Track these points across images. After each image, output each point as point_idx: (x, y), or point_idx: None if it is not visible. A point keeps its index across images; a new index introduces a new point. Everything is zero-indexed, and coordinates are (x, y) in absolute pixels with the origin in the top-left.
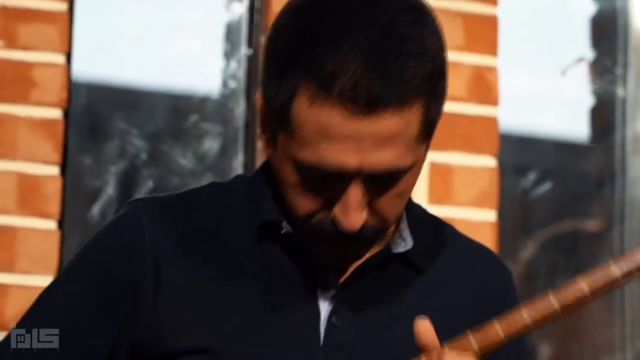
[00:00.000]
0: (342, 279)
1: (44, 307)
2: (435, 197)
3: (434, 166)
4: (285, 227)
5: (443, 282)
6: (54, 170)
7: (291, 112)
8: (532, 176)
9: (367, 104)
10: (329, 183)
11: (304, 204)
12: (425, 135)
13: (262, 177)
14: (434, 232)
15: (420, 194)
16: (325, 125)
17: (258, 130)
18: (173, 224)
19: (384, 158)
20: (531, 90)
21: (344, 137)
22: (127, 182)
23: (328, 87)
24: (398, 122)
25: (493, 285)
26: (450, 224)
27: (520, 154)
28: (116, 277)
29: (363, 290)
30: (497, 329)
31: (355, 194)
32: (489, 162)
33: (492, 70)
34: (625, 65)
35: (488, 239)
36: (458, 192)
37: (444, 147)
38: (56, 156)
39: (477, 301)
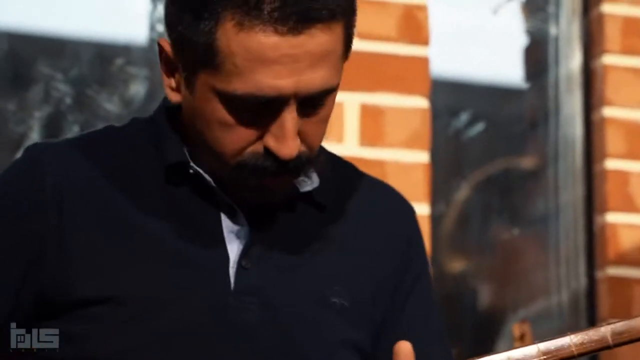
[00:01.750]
0: (250, 222)
1: None
2: (367, 138)
3: (365, 107)
4: (194, 168)
5: (351, 221)
6: None
7: (216, 44)
8: (464, 117)
9: (298, 21)
10: (262, 112)
11: (234, 140)
12: (346, 55)
13: (162, 120)
14: (336, 170)
15: (351, 136)
16: (258, 50)
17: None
18: (74, 168)
19: (317, 78)
20: (463, 29)
21: (278, 59)
22: (52, 128)
23: (256, 10)
24: (328, 39)
25: (399, 222)
26: (381, 164)
27: (453, 97)
28: (17, 226)
29: (272, 232)
30: None
31: (290, 119)
32: (421, 102)
33: (422, 8)
34: (557, 3)
35: (420, 181)
36: (389, 133)
37: (374, 88)
38: None
39: (385, 238)
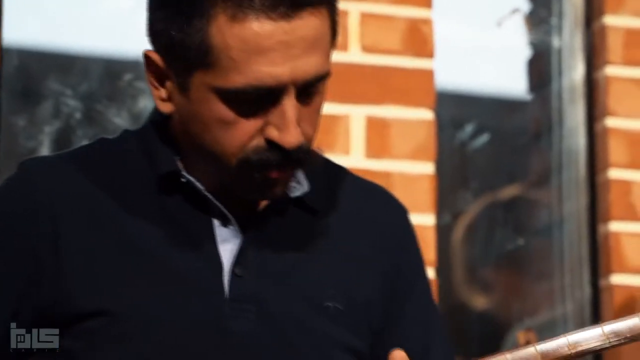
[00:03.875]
0: (243, 229)
1: None
2: (373, 151)
3: (371, 120)
4: (185, 177)
5: (343, 225)
6: None
7: (210, 41)
8: (469, 129)
9: (289, 6)
10: (262, 104)
11: (236, 136)
12: (333, 42)
13: (152, 130)
14: (327, 174)
15: (357, 149)
16: (253, 39)
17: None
18: (67, 183)
19: (312, 63)
20: (467, 43)
21: (274, 47)
22: (62, 143)
23: (247, 1)
24: (318, 23)
25: (392, 224)
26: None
27: (458, 109)
28: (12, 243)
29: (265, 239)
30: None
31: (291, 107)
32: (426, 115)
33: (427, 22)
34: (560, 15)
35: (426, 192)
36: (395, 145)
37: (380, 101)
38: None
39: (378, 242)
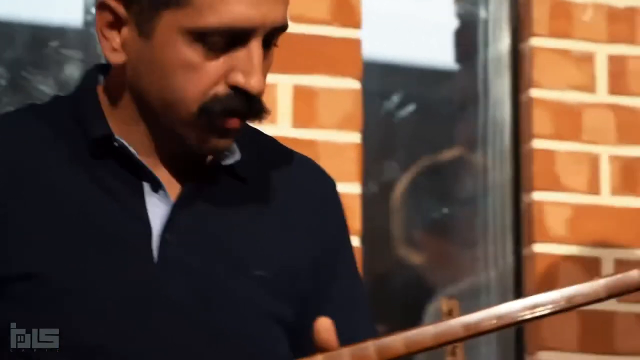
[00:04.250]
0: (174, 196)
1: None
2: (300, 120)
3: (298, 89)
4: (118, 141)
5: (273, 194)
6: None
7: None
8: (396, 99)
9: None
10: (231, 47)
11: (200, 81)
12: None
13: (84, 96)
14: (258, 144)
15: (284, 118)
16: None
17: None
18: None
19: (280, 11)
20: (394, 13)
21: None
22: None
23: None
24: None
25: (321, 195)
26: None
27: (385, 79)
28: None
29: (196, 206)
30: (399, 345)
31: (258, 51)
32: (353, 84)
33: None
34: None
35: (352, 161)
36: (322, 115)
37: (307, 71)
38: None
39: (307, 212)
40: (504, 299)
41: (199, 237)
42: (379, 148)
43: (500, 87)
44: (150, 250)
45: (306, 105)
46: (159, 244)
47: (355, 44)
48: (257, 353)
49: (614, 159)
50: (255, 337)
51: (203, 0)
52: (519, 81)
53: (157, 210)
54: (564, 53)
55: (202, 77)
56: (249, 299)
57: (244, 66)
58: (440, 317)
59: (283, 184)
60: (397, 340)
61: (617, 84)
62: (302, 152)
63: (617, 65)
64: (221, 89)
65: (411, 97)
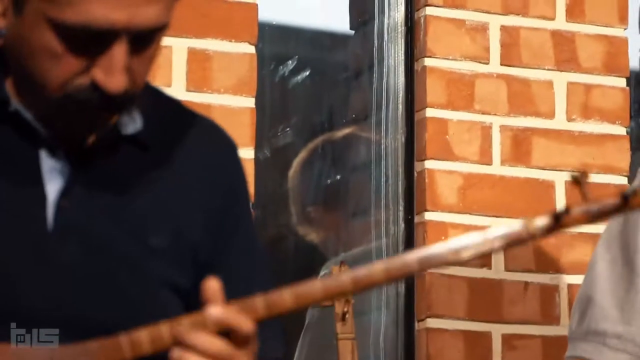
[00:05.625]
0: (72, 162)
1: None
2: (194, 83)
3: (192, 52)
4: (14, 105)
5: (174, 161)
6: None
7: None
8: (290, 64)
9: None
10: (92, 44)
11: (61, 70)
12: None
13: None
14: (162, 108)
15: (178, 81)
16: None
17: None
18: None
19: (151, 13)
20: None
21: None
22: None
23: None
24: None
25: (222, 161)
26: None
27: (279, 43)
28: None
29: (94, 173)
30: (288, 298)
31: (120, 53)
32: (248, 48)
33: None
34: None
35: (246, 126)
36: (216, 78)
37: (201, 34)
38: None
39: (208, 179)
40: None
41: (96, 205)
42: (273, 113)
43: (395, 55)
44: (44, 217)
45: (201, 69)
46: (55, 211)
47: (251, 7)
48: (150, 319)
49: (505, 129)
50: (148, 303)
51: None
52: (413, 50)
53: (54, 175)
54: (458, 23)
55: (63, 67)
56: (147, 267)
57: (104, 64)
58: None
59: (185, 150)
60: (286, 293)
61: (510, 55)
62: None
63: (509, 36)
64: (83, 81)
65: (306, 62)
